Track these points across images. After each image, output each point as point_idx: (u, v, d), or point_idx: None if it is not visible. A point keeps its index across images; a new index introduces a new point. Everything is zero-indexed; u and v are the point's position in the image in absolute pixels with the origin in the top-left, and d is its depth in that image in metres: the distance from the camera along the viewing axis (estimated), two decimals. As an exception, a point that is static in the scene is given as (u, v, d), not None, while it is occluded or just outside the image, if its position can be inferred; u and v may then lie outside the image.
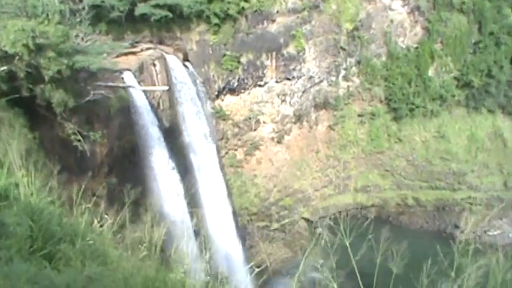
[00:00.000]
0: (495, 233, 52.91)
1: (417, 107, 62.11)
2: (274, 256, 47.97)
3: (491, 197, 58.94)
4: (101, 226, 13.18)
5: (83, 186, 13.69)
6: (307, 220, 60.84)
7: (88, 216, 12.74)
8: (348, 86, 62.32)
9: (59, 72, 25.09)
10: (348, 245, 7.72)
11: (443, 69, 62.76)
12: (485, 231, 55.59)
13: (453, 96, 62.36)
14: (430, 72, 62.47)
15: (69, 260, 8.35)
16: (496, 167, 60.87)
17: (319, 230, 58.16)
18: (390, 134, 63.09)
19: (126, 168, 35.24)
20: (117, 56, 35.62)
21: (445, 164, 62.04)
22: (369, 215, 61.38)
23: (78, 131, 27.46)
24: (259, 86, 55.68)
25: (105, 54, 31.54)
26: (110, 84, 32.05)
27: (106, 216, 14.23)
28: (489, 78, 60.61)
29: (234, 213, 48.16)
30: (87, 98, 28.44)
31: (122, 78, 33.87)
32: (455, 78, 62.54)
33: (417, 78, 61.94)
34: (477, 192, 60.10)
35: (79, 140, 27.30)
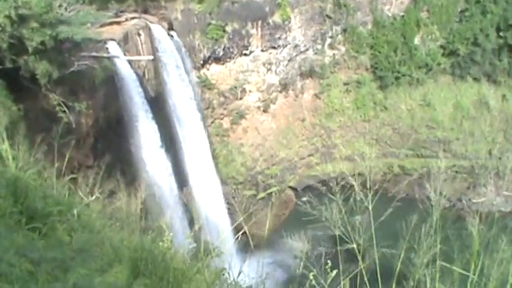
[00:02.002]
0: (480, 200, 53.32)
1: (403, 75, 62.09)
2: (260, 225, 48.15)
3: (476, 165, 59.25)
4: (90, 196, 13.19)
5: (67, 157, 13.65)
6: (293, 189, 61.07)
7: (75, 188, 12.74)
8: (334, 55, 62.26)
9: (42, 43, 24.89)
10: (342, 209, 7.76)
11: (429, 37, 62.71)
12: (470, 199, 56.05)
13: (439, 64, 62.35)
14: (416, 41, 62.42)
15: (56, 232, 8.36)
16: (481, 135, 61.08)
17: (304, 198, 58.36)
18: (376, 102, 63.12)
19: (112, 138, 35.18)
20: (102, 26, 35.32)
21: (430, 132, 62.20)
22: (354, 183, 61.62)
23: (63, 102, 27.28)
24: (245, 55, 55.52)
25: (89, 25, 31.21)
26: (95, 54, 31.80)
27: (93, 187, 14.25)
28: (475, 47, 60.56)
29: (221, 182, 48.28)
30: (72, 69, 28.22)
31: (107, 48, 33.61)
32: (441, 46, 62.50)
33: (403, 47, 61.87)
34: (462, 160, 60.33)
35: (64, 111, 27.12)
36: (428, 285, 7.46)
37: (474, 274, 6.56)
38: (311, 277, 8.14)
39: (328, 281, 8.13)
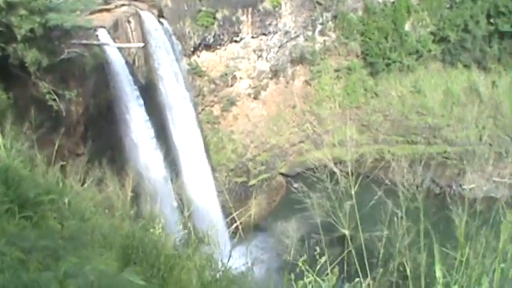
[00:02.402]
0: (470, 186, 53.53)
1: (393, 61, 62.18)
2: (252, 212, 48.28)
3: (466, 151, 59.48)
4: (80, 184, 13.21)
5: (56, 145, 13.64)
6: (284, 175, 61.22)
7: (65, 176, 12.74)
8: (325, 41, 62.28)
9: (31, 30, 24.77)
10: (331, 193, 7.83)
11: (420, 24, 62.79)
12: (460, 185, 56.30)
13: (429, 51, 62.45)
14: (407, 27, 62.48)
15: (47, 221, 8.38)
16: (471, 121, 61.21)
17: (296, 184, 58.53)
18: (367, 88, 63.24)
19: (103, 126, 35.10)
20: (91, 13, 35.11)
21: (421, 118, 62.39)
22: (346, 170, 61.87)
23: (53, 90, 27.20)
24: (235, 41, 55.49)
25: (78, 12, 31.04)
26: (84, 42, 31.66)
27: (83, 175, 14.26)
28: (465, 33, 60.61)
29: (212, 169, 48.32)
30: (62, 57, 28.08)
31: (97, 35, 33.42)
32: (431, 33, 62.57)
33: (394, 33, 61.90)
34: (452, 147, 60.59)
35: (54, 99, 27.04)
36: (409, 267, 7.55)
37: (460, 262, 6.62)
38: (300, 264, 8.23)
39: (318, 267, 8.19)
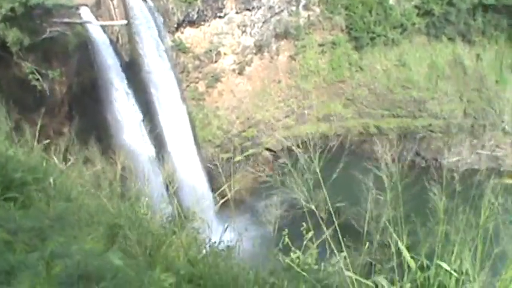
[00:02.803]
0: (454, 159, 53.88)
1: (378, 35, 62.11)
2: (238, 187, 48.33)
3: (451, 124, 59.86)
4: (65, 164, 13.17)
5: (39, 124, 13.60)
6: (270, 150, 61.32)
7: (50, 155, 12.71)
8: (309, 16, 62.06)
9: (12, 9, 24.63)
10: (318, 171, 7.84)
11: (404, -3, 62.79)
12: (445, 158, 56.64)
13: (414, 24, 62.38)
14: (391, 1, 62.28)
15: (33, 201, 8.40)
16: (455, 94, 61.57)
17: (281, 160, 58.74)
18: (351, 63, 63.25)
19: (87, 105, 35.04)
20: (73, -9, 34.95)
21: (406, 92, 62.55)
22: (331, 144, 62.23)
23: (35, 70, 27.10)
24: (219, 17, 55.22)
25: (60, -10, 30.86)
26: (67, 20, 31.49)
27: (69, 154, 14.23)
28: (449, 7, 60.55)
29: (198, 146, 48.33)
30: (44, 36, 27.99)
31: (79, 14, 33.25)
32: (415, 6, 62.40)
33: (378, 7, 61.75)
34: (437, 120, 60.90)
35: (37, 79, 26.98)
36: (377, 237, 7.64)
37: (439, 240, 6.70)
38: (285, 238, 8.34)
39: (305, 242, 8.28)
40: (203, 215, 12.03)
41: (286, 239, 8.39)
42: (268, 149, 61.31)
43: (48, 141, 13.77)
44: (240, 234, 10.21)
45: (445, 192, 7.09)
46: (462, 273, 6.24)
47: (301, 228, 8.39)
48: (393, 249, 6.92)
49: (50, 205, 8.34)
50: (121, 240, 8.07)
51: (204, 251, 9.23)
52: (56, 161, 12.70)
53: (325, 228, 7.74)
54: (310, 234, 8.25)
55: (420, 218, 7.36)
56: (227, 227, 10.30)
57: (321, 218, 7.81)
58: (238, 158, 56.32)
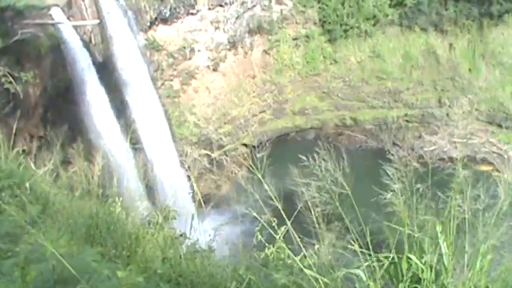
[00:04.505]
0: (431, 148, 54.19)
1: (351, 27, 62.36)
2: (216, 184, 48.44)
3: (426, 114, 60.33)
4: (39, 168, 13.09)
5: (14, 128, 13.56)
6: (247, 146, 61.39)
7: (25, 159, 12.64)
8: (282, 10, 62.17)
9: (-18, 13, 24.47)
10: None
11: (376, -12, 63.02)
12: (421, 147, 57.00)
13: (386, 15, 62.67)
14: (363, -7, 62.66)
15: (9, 207, 8.38)
16: (430, 84, 62.03)
17: (259, 155, 58.77)
18: (326, 55, 63.50)
19: (62, 107, 34.85)
20: (44, -8, 34.73)
21: (381, 83, 62.91)
22: (308, 137, 62.50)
23: (8, 73, 26.91)
24: (192, 14, 55.14)
25: (31, -9, 30.68)
26: (38, 21, 31.30)
27: (45, 157, 14.17)
28: (421, -3, 61.09)
29: (175, 144, 48.24)
30: (15, 38, 27.78)
31: (50, 14, 33.03)
32: (388, -3, 62.86)
33: (350, -1, 62.16)
34: (413, 110, 61.36)
35: (10, 82, 26.80)
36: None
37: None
38: (258, 235, 8.43)
39: (279, 236, 8.35)
40: (183, 214, 12.06)
41: (259, 236, 8.47)
42: (245, 144, 61.38)
43: (23, 145, 13.72)
44: (219, 230, 10.27)
45: (414, 180, 7.20)
46: (432, 267, 6.33)
47: (274, 224, 8.46)
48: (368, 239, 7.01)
49: (26, 210, 8.33)
50: (98, 242, 8.10)
51: (181, 250, 9.28)
52: (32, 165, 12.65)
53: (288, 223, 7.82)
54: (283, 229, 8.31)
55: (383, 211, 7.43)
56: (215, 235, 10.34)
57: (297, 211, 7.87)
58: (215, 154, 56.64)
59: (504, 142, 58.39)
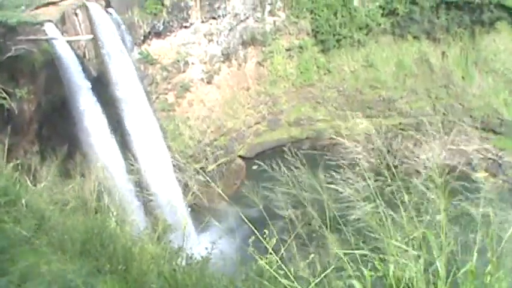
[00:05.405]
0: (426, 156, 54.27)
1: (344, 37, 62.62)
2: (213, 197, 48.27)
3: (420, 122, 60.34)
4: (35, 184, 13.11)
5: (7, 144, 13.56)
6: (243, 158, 61.46)
7: (21, 175, 12.65)
8: (275, 21, 62.37)
9: (-25, 29, 24.50)
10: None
11: (368, -2, 63.27)
12: (417, 155, 57.03)
13: (379, 24, 62.93)
14: (355, 2, 62.74)
15: (4, 224, 8.40)
16: (424, 92, 62.23)
17: (255, 167, 59.09)
18: (319, 66, 63.71)
19: (57, 122, 34.81)
20: (37, 8, 34.78)
21: (375, 92, 63.08)
22: (303, 148, 62.52)
23: (2, 89, 26.90)
24: (185, 27, 55.31)
25: (23, 7, 30.75)
26: (32, 37, 31.31)
27: (41, 173, 14.17)
28: (413, 5, 61.16)
29: (171, 157, 48.20)
30: (9, 54, 27.78)
31: (44, 30, 33.05)
32: (380, 6, 62.90)
33: (343, 9, 62.25)
34: (407, 118, 61.44)
35: (5, 98, 26.78)
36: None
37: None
38: (250, 247, 8.44)
39: (271, 247, 8.37)
40: (178, 227, 12.09)
41: (250, 249, 8.48)
42: (241, 156, 61.44)
43: (18, 161, 13.70)
44: (214, 243, 10.30)
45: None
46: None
47: (264, 235, 8.49)
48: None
49: (22, 226, 8.35)
50: (93, 256, 8.12)
51: (178, 264, 9.29)
52: (28, 181, 12.66)
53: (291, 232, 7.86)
54: (274, 240, 8.32)
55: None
56: (212, 248, 10.34)
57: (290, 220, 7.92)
58: (211, 167, 56.68)
59: (499, 148, 58.52)
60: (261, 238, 8.20)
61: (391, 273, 6.52)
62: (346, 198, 7.74)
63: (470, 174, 7.63)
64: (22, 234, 7.64)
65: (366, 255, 6.97)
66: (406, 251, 6.67)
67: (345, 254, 7.14)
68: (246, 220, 8.82)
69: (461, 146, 59.86)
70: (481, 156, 57.81)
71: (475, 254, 6.43)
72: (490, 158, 57.53)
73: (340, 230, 7.76)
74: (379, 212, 7.27)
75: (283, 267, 7.49)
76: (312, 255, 7.85)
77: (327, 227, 7.80)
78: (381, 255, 6.79)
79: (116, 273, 7.76)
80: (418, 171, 8.51)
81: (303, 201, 8.05)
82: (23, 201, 9.88)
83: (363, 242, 7.35)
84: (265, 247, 8.24)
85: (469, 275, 6.27)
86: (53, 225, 9.69)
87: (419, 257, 6.55)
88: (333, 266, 7.05)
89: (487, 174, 51.94)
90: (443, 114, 60.24)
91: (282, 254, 8.19)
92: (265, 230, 8.36)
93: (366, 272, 6.59)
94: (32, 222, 9.10)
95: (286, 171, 8.16)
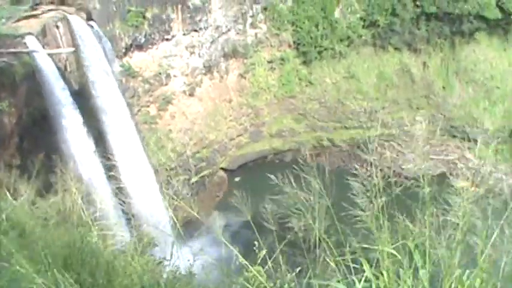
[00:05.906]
0: (409, 166, 54.55)
1: (325, 49, 62.85)
2: (196, 209, 48.11)
3: (402, 132, 60.64)
4: (15, 198, 13.03)
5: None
6: (225, 170, 61.46)
7: (1, 188, 12.58)
8: (256, 33, 62.51)
9: (-45, 42, 24.38)
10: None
11: (349, 10, 63.42)
12: (399, 166, 57.27)
13: (360, 36, 63.31)
14: (337, 14, 63.04)
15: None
16: (405, 103, 62.62)
17: (237, 179, 59.18)
18: (301, 77, 63.88)
19: (38, 135, 34.59)
20: (18, 21, 34.65)
21: (356, 103, 63.28)
22: (285, 159, 62.42)
23: (-18, 103, 26.77)
24: (167, 40, 55.23)
25: (3, 20, 30.63)
26: (13, 50, 31.20)
27: (22, 187, 14.07)
28: (394, 17, 61.56)
29: (153, 170, 48.05)
30: (-11, 67, 27.71)
31: (24, 43, 32.91)
32: (361, 18, 63.26)
33: (324, 21, 62.45)
34: (389, 129, 61.65)
35: (-15, 112, 26.66)
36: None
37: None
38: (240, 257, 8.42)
39: (259, 260, 8.36)
40: (161, 240, 12.04)
41: (240, 258, 8.46)
42: (223, 169, 61.41)
43: (-1, 175, 13.63)
44: (197, 256, 10.26)
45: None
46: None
47: (254, 248, 8.48)
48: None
49: (1, 241, 8.27)
50: (75, 271, 8.05)
51: (161, 277, 9.25)
52: (9, 196, 12.57)
53: (277, 244, 7.86)
54: (263, 252, 8.33)
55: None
56: (194, 260, 10.31)
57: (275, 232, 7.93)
58: (194, 179, 56.54)
59: (479, 157, 58.84)
60: (239, 256, 8.19)
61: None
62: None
63: (451, 183, 7.71)
64: (2, 250, 7.57)
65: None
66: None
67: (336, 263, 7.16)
68: (224, 241, 8.80)
69: (442, 156, 60.33)
70: (462, 165, 58.14)
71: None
72: (471, 168, 57.83)
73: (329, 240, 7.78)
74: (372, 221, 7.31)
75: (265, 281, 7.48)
76: (299, 268, 7.86)
77: (315, 237, 7.81)
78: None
79: (97, 287, 7.70)
80: (400, 182, 8.58)
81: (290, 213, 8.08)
82: (3, 215, 9.80)
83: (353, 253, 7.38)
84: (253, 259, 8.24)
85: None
86: (34, 239, 9.60)
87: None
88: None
89: (468, 183, 52.18)
90: (425, 124, 60.55)
91: (268, 265, 8.19)
92: (254, 242, 8.36)
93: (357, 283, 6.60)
94: (13, 237, 9.03)
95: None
